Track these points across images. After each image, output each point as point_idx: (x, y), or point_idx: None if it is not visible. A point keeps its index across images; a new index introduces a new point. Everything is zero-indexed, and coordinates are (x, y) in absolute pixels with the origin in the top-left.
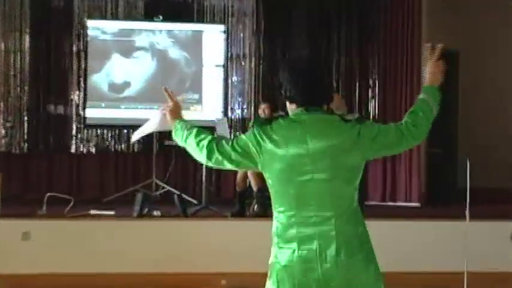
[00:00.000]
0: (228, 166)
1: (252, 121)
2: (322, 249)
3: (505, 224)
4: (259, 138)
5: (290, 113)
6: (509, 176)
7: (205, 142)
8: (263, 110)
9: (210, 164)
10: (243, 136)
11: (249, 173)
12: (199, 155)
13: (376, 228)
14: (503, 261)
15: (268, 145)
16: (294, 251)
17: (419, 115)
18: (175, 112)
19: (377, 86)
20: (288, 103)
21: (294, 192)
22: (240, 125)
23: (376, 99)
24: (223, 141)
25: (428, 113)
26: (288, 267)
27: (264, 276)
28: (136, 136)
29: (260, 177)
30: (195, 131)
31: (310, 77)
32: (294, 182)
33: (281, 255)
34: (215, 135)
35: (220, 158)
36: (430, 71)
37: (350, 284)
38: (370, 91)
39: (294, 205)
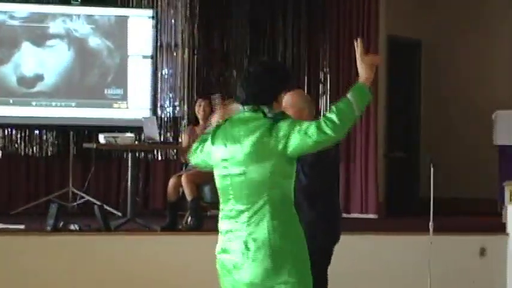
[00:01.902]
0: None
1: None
2: None
3: (473, 239)
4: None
5: None
6: (478, 184)
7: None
8: (202, 107)
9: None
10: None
11: (183, 181)
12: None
13: None
14: (472, 281)
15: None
16: None
17: (338, 113)
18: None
19: (328, 80)
20: None
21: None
22: (171, 125)
23: (328, 95)
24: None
25: (348, 114)
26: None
27: None
28: None
29: (195, 186)
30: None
31: (247, 78)
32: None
33: None
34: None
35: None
36: (360, 67)
37: None
38: (320, 87)
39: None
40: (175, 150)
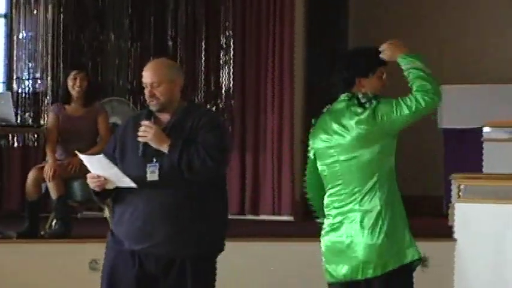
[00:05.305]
0: None
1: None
2: None
3: None
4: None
5: None
6: (420, 178)
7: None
8: (78, 81)
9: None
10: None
11: (46, 174)
12: None
13: (231, 252)
14: None
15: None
16: None
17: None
18: None
19: (232, 46)
20: None
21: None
22: (30, 103)
23: (231, 65)
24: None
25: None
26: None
27: None
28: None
29: (62, 181)
30: None
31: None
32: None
33: None
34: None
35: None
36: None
37: None
38: (222, 54)
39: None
40: (36, 135)
